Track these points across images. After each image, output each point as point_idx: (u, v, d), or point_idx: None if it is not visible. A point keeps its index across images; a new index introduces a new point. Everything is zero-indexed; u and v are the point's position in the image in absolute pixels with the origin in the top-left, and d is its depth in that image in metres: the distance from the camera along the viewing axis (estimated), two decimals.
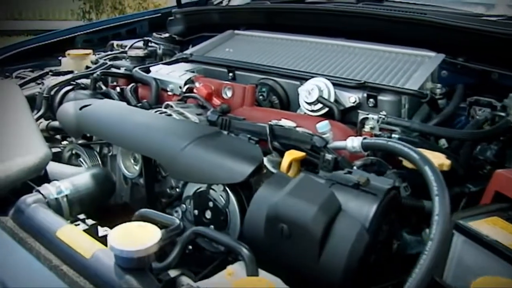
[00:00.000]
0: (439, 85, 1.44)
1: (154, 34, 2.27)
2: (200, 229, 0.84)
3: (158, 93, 1.43)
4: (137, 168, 1.15)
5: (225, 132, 1.08)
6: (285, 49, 1.69)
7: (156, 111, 1.21)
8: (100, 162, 1.26)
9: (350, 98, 1.35)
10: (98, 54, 2.02)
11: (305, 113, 1.37)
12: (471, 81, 1.51)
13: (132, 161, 1.17)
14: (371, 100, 1.34)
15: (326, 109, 1.33)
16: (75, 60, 2.03)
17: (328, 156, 1.00)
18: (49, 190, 0.91)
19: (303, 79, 1.44)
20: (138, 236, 0.67)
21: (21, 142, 1.06)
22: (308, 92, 1.33)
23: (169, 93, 1.45)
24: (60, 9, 7.66)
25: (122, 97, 1.45)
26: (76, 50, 2.06)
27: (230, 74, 1.60)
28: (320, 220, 0.78)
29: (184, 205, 1.04)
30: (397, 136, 1.16)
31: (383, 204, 0.84)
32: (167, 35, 2.26)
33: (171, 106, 1.25)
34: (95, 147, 1.29)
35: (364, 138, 1.05)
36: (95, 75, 1.46)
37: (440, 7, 1.86)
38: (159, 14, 2.53)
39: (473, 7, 1.90)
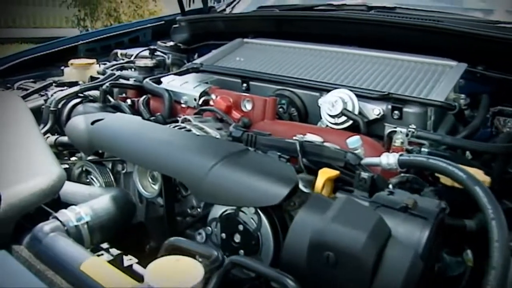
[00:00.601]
0: (462, 96, 1.38)
1: (159, 42, 2.20)
2: (238, 259, 0.76)
3: (172, 105, 1.35)
4: (156, 187, 1.07)
5: (252, 149, 1.00)
6: (299, 58, 1.62)
7: (174, 126, 1.13)
8: (113, 180, 1.18)
9: (374, 110, 1.29)
10: (103, 64, 1.94)
11: (327, 126, 1.30)
12: (489, 90, 1.46)
13: (150, 180, 1.09)
14: (396, 112, 1.27)
15: (350, 122, 1.27)
16: (78, 70, 1.94)
17: (364, 175, 0.93)
18: (68, 216, 0.83)
19: (323, 90, 1.38)
20: (178, 272, 0.60)
21: (32, 162, 0.98)
22: (332, 104, 1.27)
23: (183, 105, 1.37)
24: (54, 17, 7.55)
25: (133, 110, 1.37)
26: (79, 59, 1.97)
27: (244, 85, 1.53)
28: (371, 248, 0.71)
29: (209, 228, 0.96)
30: (426, 150, 1.10)
31: (434, 228, 0.77)
32: (172, 43, 2.18)
33: (189, 120, 1.17)
34: (107, 164, 1.21)
35: (401, 155, 0.98)
36: (104, 87, 1.38)
37: (453, 14, 1.81)
38: (163, 22, 2.46)
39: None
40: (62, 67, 2.01)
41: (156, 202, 1.10)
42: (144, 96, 1.38)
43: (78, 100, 1.38)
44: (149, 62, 1.59)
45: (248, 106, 1.25)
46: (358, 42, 1.68)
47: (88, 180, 1.22)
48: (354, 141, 1.04)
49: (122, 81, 1.51)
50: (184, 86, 1.40)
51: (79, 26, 7.03)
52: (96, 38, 2.19)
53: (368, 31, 1.69)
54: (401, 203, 0.81)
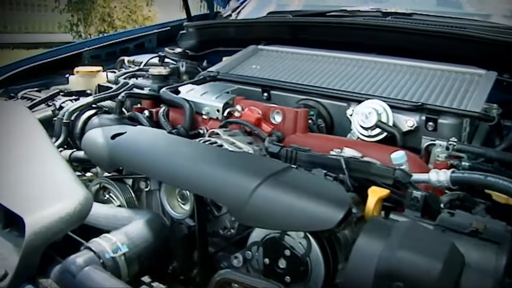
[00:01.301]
0: (494, 105, 1.32)
1: (167, 49, 2.11)
2: None
3: (193, 117, 1.27)
4: (186, 207, 0.99)
5: (295, 167, 0.92)
6: (320, 66, 1.55)
7: (205, 141, 1.04)
8: (134, 198, 1.09)
9: (407, 122, 1.22)
10: (110, 72, 1.85)
11: (358, 138, 1.23)
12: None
13: (179, 199, 1.00)
14: (431, 123, 1.21)
15: (384, 134, 1.20)
16: (84, 78, 1.85)
17: (417, 194, 0.85)
18: (103, 247, 0.74)
19: (351, 100, 1.31)
20: None
21: (53, 182, 0.89)
22: (365, 116, 1.19)
23: (204, 117, 1.29)
24: (46, 22, 7.40)
25: (152, 121, 1.28)
26: (85, 67, 1.88)
27: (265, 94, 1.45)
28: (447, 277, 0.65)
29: (249, 252, 0.88)
30: (467, 163, 1.03)
31: (509, 254, 0.70)
32: (179, 50, 2.09)
33: (217, 134, 1.09)
34: (126, 180, 1.12)
35: (453, 172, 0.91)
36: (120, 97, 1.29)
37: (471, 20, 1.75)
38: (168, 28, 2.37)
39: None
40: (67, 75, 1.91)
41: (183, 222, 1.01)
42: (163, 107, 1.30)
43: (92, 111, 1.28)
44: (163, 70, 1.50)
45: (278, 118, 1.17)
46: (377, 49, 1.62)
47: (106, 198, 1.13)
48: (400, 157, 0.97)
49: (136, 90, 1.41)
50: (205, 96, 1.31)
51: (72, 31, 6.89)
52: (101, 44, 2.09)
53: (389, 38, 1.63)
54: (468, 226, 0.74)
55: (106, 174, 1.17)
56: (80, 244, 0.77)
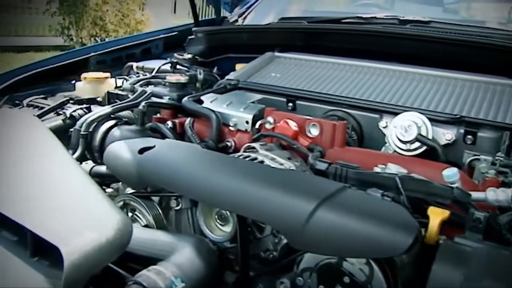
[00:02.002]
0: None
1: (176, 55, 2.03)
2: None
3: (220, 128, 1.19)
4: (225, 229, 0.91)
5: (349, 187, 0.85)
6: (342, 75, 1.48)
7: (244, 157, 0.96)
8: (163, 217, 1.01)
9: (445, 135, 1.16)
10: (120, 78, 1.76)
11: (395, 152, 1.16)
12: None
13: (217, 220, 0.92)
14: (469, 137, 1.15)
15: (423, 148, 1.13)
16: (92, 85, 1.75)
17: (479, 214, 0.79)
18: (155, 282, 0.65)
19: (384, 112, 1.24)
20: None
21: (85, 206, 0.80)
22: (405, 129, 1.13)
23: (231, 128, 1.21)
24: (37, 25, 7.23)
25: (176, 133, 1.20)
26: (92, 73, 1.78)
27: (290, 104, 1.38)
28: None
29: (300, 279, 0.80)
30: None
31: None
32: (189, 56, 2.01)
33: (254, 148, 1.01)
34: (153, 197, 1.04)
35: None
36: (141, 107, 1.21)
37: (489, 28, 1.71)
38: (176, 33, 2.29)
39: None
40: (73, 81, 1.82)
41: (220, 245, 0.93)
42: (189, 118, 1.21)
43: (111, 122, 1.19)
44: (181, 78, 1.42)
45: (314, 132, 1.10)
46: (398, 58, 1.56)
47: (131, 217, 1.04)
48: (453, 174, 0.91)
49: (154, 99, 1.33)
50: (231, 106, 1.24)
51: (63, 35, 6.73)
52: (107, 50, 1.99)
53: (412, 47, 1.57)
54: None
55: (129, 190, 1.08)
56: (122, 277, 0.68)
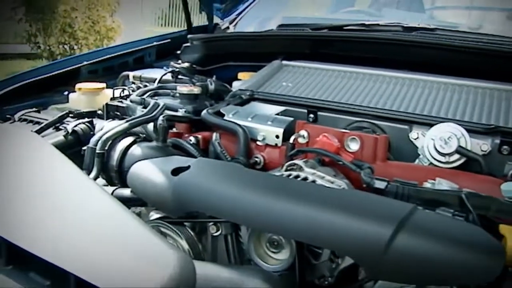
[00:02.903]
0: None
1: (172, 63, 1.92)
2: None
3: (249, 144, 1.09)
4: (279, 256, 0.81)
5: (420, 207, 0.77)
6: (358, 84, 1.41)
7: (295, 176, 0.87)
8: (199, 245, 0.90)
9: (481, 146, 1.11)
10: (117, 89, 1.63)
11: (431, 164, 1.10)
12: None
13: (269, 247, 0.83)
14: (506, 147, 1.10)
15: (462, 160, 1.08)
16: (87, 96, 1.63)
17: None
18: None
19: (414, 123, 1.18)
20: None
21: (125, 238, 0.69)
22: (444, 141, 1.07)
23: (259, 143, 1.12)
24: (1, 32, 6.86)
25: (201, 150, 1.10)
26: (87, 83, 1.65)
27: (311, 116, 1.29)
28: None
29: None
30: None
31: None
32: (186, 64, 1.90)
33: (297, 165, 0.92)
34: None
35: None
36: (160, 121, 1.10)
37: (495, 35, 1.69)
38: (169, 40, 2.17)
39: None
40: (65, 93, 1.68)
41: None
42: (215, 133, 1.11)
43: (130, 139, 1.07)
44: (195, 89, 1.31)
45: (354, 146, 1.02)
46: (410, 66, 1.51)
47: None
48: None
49: (168, 112, 1.22)
50: (256, 119, 1.15)
51: (29, 42, 6.41)
52: (99, 59, 1.86)
53: (429, 55, 1.53)
54: None
55: (153, 215, 0.97)
56: None
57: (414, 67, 1.49)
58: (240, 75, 1.78)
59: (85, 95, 1.63)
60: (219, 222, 0.89)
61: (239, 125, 1.11)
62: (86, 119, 1.35)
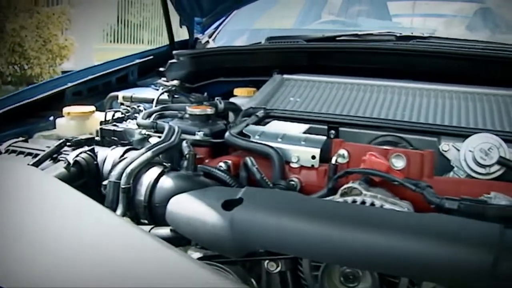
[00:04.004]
0: None
1: (161, 81, 1.80)
2: None
3: (284, 167, 1.00)
4: None
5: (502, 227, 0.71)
6: (369, 96, 1.36)
7: (361, 202, 0.79)
8: (254, 284, 0.80)
9: None
10: (109, 111, 1.49)
11: (468, 176, 1.06)
12: None
13: (343, 281, 0.74)
14: None
15: (501, 171, 1.04)
16: (77, 121, 1.48)
17: None
18: None
19: (442, 134, 1.14)
20: None
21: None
22: (485, 152, 1.03)
23: (294, 165, 1.03)
24: None
25: (233, 176, 0.99)
26: (74, 107, 1.50)
27: (332, 132, 1.22)
28: None
29: None
30: None
31: None
32: (176, 82, 1.79)
33: (356, 189, 0.84)
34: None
35: None
36: (186, 148, 0.98)
37: (488, 42, 1.70)
38: (151, 57, 2.05)
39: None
40: (51, 118, 1.52)
41: None
42: (249, 158, 1.00)
43: (157, 170, 0.95)
44: (208, 109, 1.21)
45: (399, 163, 0.96)
46: (414, 75, 1.48)
47: None
48: None
49: (186, 136, 1.11)
50: (287, 140, 1.06)
51: None
52: (83, 80, 1.70)
53: (430, 63, 1.51)
54: None
55: (193, 253, 0.86)
56: None
57: (420, 76, 1.47)
58: (237, 91, 1.68)
59: (74, 120, 1.47)
60: (278, 259, 0.79)
61: (271, 147, 1.02)
62: (86, 148, 1.21)
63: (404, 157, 0.96)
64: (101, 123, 1.50)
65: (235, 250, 0.74)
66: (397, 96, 1.31)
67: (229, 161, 1.03)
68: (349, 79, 1.48)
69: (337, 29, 2.54)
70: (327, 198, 0.87)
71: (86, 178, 1.16)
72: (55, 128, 1.49)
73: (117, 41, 10.13)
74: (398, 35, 1.74)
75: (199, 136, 1.11)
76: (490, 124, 1.15)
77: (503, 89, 1.29)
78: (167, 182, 0.91)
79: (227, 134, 1.08)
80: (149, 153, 0.96)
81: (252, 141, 1.05)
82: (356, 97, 1.36)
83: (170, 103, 1.56)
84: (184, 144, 1.01)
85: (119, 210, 0.89)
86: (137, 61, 1.96)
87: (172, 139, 1.05)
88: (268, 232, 0.72)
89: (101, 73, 1.77)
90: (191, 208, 0.80)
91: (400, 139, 1.17)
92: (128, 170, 0.91)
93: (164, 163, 0.99)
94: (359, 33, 1.81)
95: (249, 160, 0.98)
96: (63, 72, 6.73)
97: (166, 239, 0.85)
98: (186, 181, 0.92)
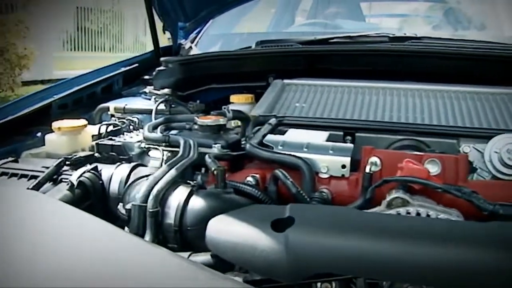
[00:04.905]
0: None
1: (150, 89, 1.70)
2: None
3: (315, 179, 0.95)
4: None
5: None
6: (376, 99, 1.33)
7: (408, 213, 0.75)
8: None
9: None
10: (104, 124, 1.39)
11: (494, 177, 1.04)
12: None
13: None
14: None
15: None
16: (68, 136, 1.36)
17: None
18: None
19: (461, 136, 1.12)
20: None
21: None
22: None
23: (323, 176, 0.97)
24: None
25: (262, 190, 0.93)
26: (64, 121, 1.38)
27: (348, 138, 1.18)
28: None
29: None
30: None
31: None
32: (167, 90, 1.70)
33: (403, 199, 0.79)
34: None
35: None
36: (211, 163, 0.91)
37: (479, 41, 1.71)
38: (137, 65, 1.94)
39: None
40: (39, 134, 1.40)
41: None
42: (279, 171, 0.94)
43: (185, 189, 0.87)
44: (221, 119, 1.13)
45: (433, 169, 0.92)
46: (414, 77, 1.47)
47: None
48: None
49: (203, 149, 1.03)
50: (313, 149, 1.00)
51: None
52: (68, 92, 1.59)
53: (430, 64, 1.50)
54: None
55: (236, 278, 0.79)
56: None
57: (421, 77, 1.45)
58: (234, 98, 1.62)
59: (66, 135, 1.36)
60: (334, 280, 0.73)
61: (300, 158, 0.96)
62: (89, 166, 1.11)
63: (439, 162, 0.92)
64: (93, 137, 1.40)
65: (291, 274, 0.67)
66: (411, 99, 1.28)
67: (257, 175, 0.96)
68: (353, 82, 1.45)
69: (319, 31, 2.53)
70: (374, 210, 0.82)
71: (92, 200, 1.07)
72: (43, 145, 1.37)
73: (77, 49, 9.75)
74: (391, 36, 1.73)
75: (216, 149, 1.03)
76: (503, 124, 1.14)
77: (506, 88, 1.29)
78: (198, 203, 0.83)
79: (248, 145, 1.01)
80: (173, 171, 0.87)
81: (278, 152, 0.98)
82: (364, 101, 1.33)
83: (168, 114, 1.47)
84: (208, 159, 0.93)
85: (148, 236, 0.81)
86: (122, 69, 1.85)
87: (191, 154, 0.97)
88: (329, 253, 0.66)
89: (86, 83, 1.65)
90: (235, 231, 0.72)
91: (419, 142, 1.15)
92: (155, 191, 0.82)
93: (188, 181, 0.91)
94: (352, 35, 1.79)
95: (280, 173, 0.92)
96: (24, 83, 6.43)
97: (208, 265, 0.77)
98: (219, 201, 0.84)
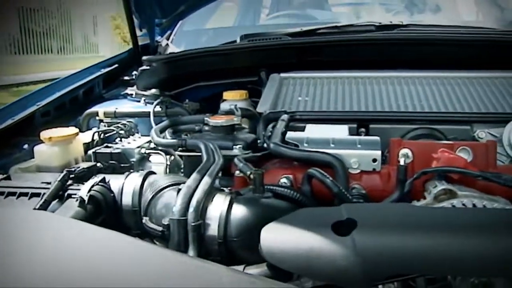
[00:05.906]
0: None
1: (136, 91, 1.61)
2: None
3: (348, 175, 0.91)
4: None
5: None
6: (382, 89, 1.32)
7: (464, 204, 0.73)
8: None
9: None
10: (98, 131, 1.30)
11: None
12: None
13: None
14: None
15: None
16: (60, 146, 1.26)
17: None
18: None
19: (474, 122, 1.12)
20: None
21: None
22: None
23: (353, 171, 0.94)
24: None
25: (296, 191, 0.88)
26: (54, 130, 1.28)
27: (362, 129, 1.16)
28: None
29: None
30: None
31: None
32: (154, 90, 1.62)
33: (452, 191, 0.78)
34: None
35: None
36: (245, 168, 0.85)
37: (466, 27, 1.74)
38: (116, 65, 1.83)
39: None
40: (26, 146, 1.29)
41: None
42: (314, 170, 0.89)
43: (224, 197, 0.80)
44: (234, 119, 1.07)
45: (465, 157, 0.91)
46: (408, 65, 1.47)
47: None
48: None
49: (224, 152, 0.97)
50: (340, 145, 0.97)
51: None
52: (50, 99, 1.46)
53: (425, 51, 1.50)
54: None
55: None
56: None
57: (416, 64, 1.45)
58: (227, 94, 1.55)
59: (57, 146, 1.25)
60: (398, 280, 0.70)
61: (331, 154, 0.92)
62: (96, 178, 1.02)
63: (470, 149, 0.91)
64: (84, 145, 1.31)
65: (363, 279, 0.63)
66: (420, 87, 1.27)
67: (290, 176, 0.91)
68: (352, 73, 1.43)
69: (292, 23, 2.49)
70: (422, 204, 0.80)
71: (104, 215, 0.98)
72: (32, 157, 1.26)
73: (23, 52, 9.22)
74: (377, 24, 1.73)
75: (238, 150, 0.98)
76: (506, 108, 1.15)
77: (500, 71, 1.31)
78: (241, 211, 0.78)
79: (272, 145, 0.96)
80: (207, 179, 0.81)
81: (308, 150, 0.94)
82: (372, 91, 1.31)
83: (165, 116, 1.40)
84: (239, 163, 0.87)
85: (191, 251, 0.74)
86: (103, 71, 1.74)
87: (217, 158, 0.91)
88: (402, 254, 0.63)
89: (67, 89, 1.54)
90: (294, 239, 0.68)
91: (433, 130, 1.14)
92: (194, 203, 0.76)
93: (223, 188, 0.85)
94: (338, 25, 1.77)
95: (317, 172, 0.87)
96: None
97: (266, 277, 0.72)
98: (262, 207, 0.79)
